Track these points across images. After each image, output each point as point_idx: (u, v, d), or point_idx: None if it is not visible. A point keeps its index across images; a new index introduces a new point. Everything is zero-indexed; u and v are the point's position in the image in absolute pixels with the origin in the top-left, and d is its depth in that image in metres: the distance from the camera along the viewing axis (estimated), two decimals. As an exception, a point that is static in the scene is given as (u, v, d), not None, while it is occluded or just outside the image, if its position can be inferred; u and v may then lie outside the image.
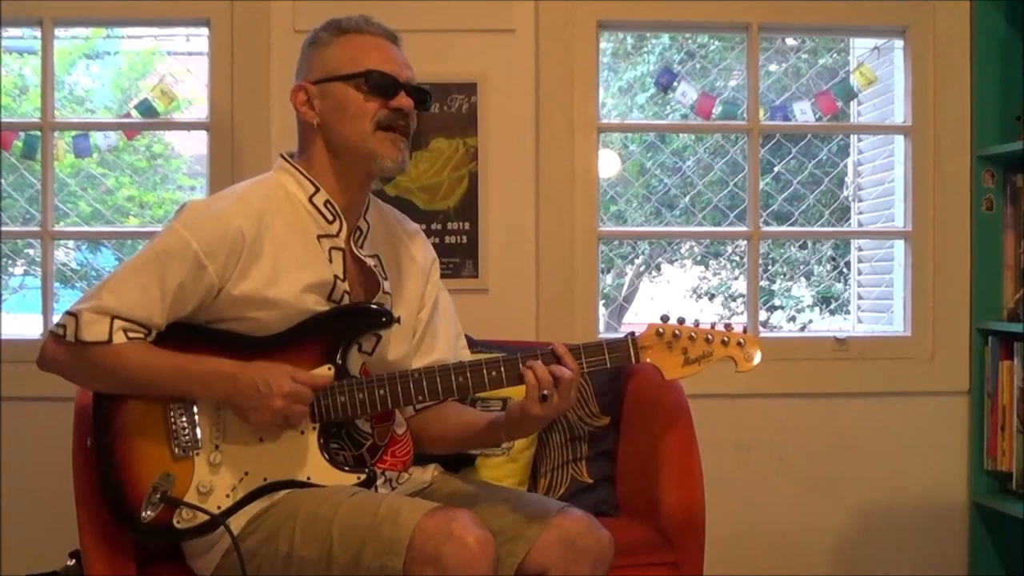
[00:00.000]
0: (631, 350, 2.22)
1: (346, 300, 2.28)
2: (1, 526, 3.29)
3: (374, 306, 2.30)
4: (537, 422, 2.22)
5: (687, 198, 5.15)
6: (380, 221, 2.45)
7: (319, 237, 2.28)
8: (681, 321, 2.24)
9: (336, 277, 2.27)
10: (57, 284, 3.79)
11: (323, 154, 2.31)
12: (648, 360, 2.22)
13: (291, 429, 2.20)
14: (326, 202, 2.30)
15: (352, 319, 2.28)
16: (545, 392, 2.14)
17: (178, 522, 2.18)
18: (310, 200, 2.30)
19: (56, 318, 2.24)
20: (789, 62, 5.71)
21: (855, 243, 4.58)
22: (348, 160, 2.29)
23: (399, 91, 2.27)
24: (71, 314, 2.17)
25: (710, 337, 2.22)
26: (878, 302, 4.21)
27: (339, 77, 2.27)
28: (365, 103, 2.25)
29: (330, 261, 2.28)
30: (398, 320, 2.31)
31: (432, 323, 2.50)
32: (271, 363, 2.17)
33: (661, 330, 2.22)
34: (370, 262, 2.34)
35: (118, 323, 2.16)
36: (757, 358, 2.23)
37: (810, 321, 6.80)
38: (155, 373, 2.18)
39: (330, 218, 2.30)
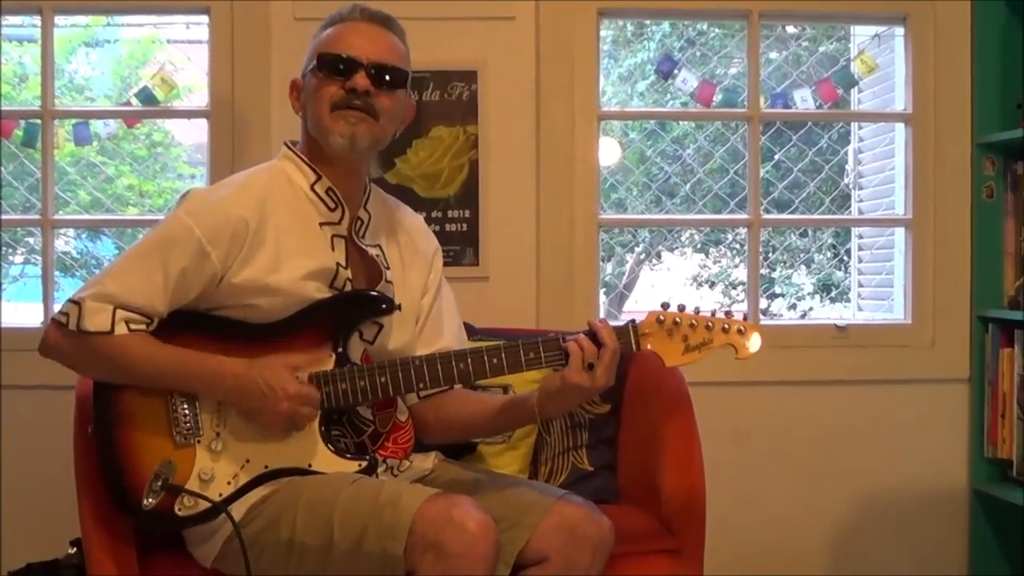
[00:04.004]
0: (632, 337, 2.22)
1: (348, 287, 2.29)
2: (1, 515, 3.29)
3: (374, 293, 2.30)
4: (574, 395, 2.19)
5: (687, 186, 5.16)
6: (382, 212, 2.45)
7: (321, 224, 2.29)
8: (681, 308, 2.24)
9: (338, 264, 2.28)
10: (57, 272, 3.79)
11: (311, 142, 2.33)
12: (649, 347, 2.22)
13: (297, 431, 2.21)
14: (328, 190, 2.31)
15: (353, 306, 2.29)
16: (591, 361, 2.14)
17: (179, 510, 2.18)
18: (312, 188, 2.30)
19: (57, 306, 2.24)
20: (790, 50, 5.70)
21: (855, 231, 4.59)
22: (322, 144, 2.29)
23: (353, 71, 2.25)
24: (74, 302, 2.17)
25: (710, 324, 2.22)
26: (878, 290, 4.22)
27: (309, 69, 2.31)
28: (325, 87, 2.26)
29: (332, 248, 2.29)
30: (399, 307, 2.31)
31: (436, 309, 2.50)
32: (274, 363, 2.18)
33: (662, 317, 2.22)
34: (372, 251, 2.34)
35: (120, 313, 2.16)
36: (757, 345, 2.23)
37: (811, 309, 6.82)
38: (157, 367, 2.18)
39: (332, 206, 2.31)
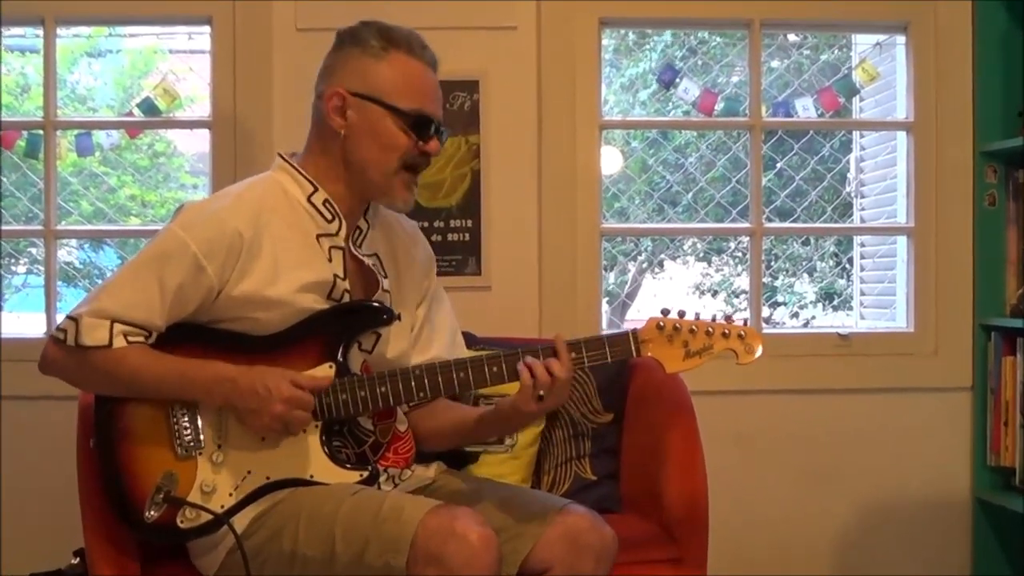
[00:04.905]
0: (632, 344, 2.22)
1: (346, 299, 2.29)
2: (1, 525, 3.29)
3: (375, 303, 2.30)
4: (529, 419, 2.25)
5: (689, 195, 5.16)
6: (379, 220, 2.44)
7: (318, 236, 2.28)
8: (681, 314, 2.23)
9: (336, 276, 2.27)
10: (60, 283, 3.79)
11: (338, 163, 2.29)
12: (649, 354, 2.22)
13: (290, 436, 2.20)
14: (325, 201, 2.29)
15: (352, 317, 2.28)
16: (541, 392, 2.15)
17: (182, 522, 2.18)
18: (308, 199, 2.29)
19: (59, 317, 2.24)
20: (791, 58, 5.71)
21: (857, 239, 4.57)
22: (361, 180, 2.28)
23: (432, 135, 2.27)
24: (71, 318, 2.17)
25: (710, 330, 2.22)
26: (881, 298, 4.21)
27: (384, 103, 2.24)
28: (400, 139, 2.24)
29: (330, 260, 2.28)
30: (398, 317, 2.31)
31: (429, 319, 2.50)
32: (271, 367, 2.17)
33: (661, 324, 2.22)
34: (368, 261, 2.34)
35: (118, 327, 2.16)
36: (758, 350, 2.23)
37: (813, 317, 6.82)
38: (155, 378, 2.18)
39: (329, 217, 2.30)
